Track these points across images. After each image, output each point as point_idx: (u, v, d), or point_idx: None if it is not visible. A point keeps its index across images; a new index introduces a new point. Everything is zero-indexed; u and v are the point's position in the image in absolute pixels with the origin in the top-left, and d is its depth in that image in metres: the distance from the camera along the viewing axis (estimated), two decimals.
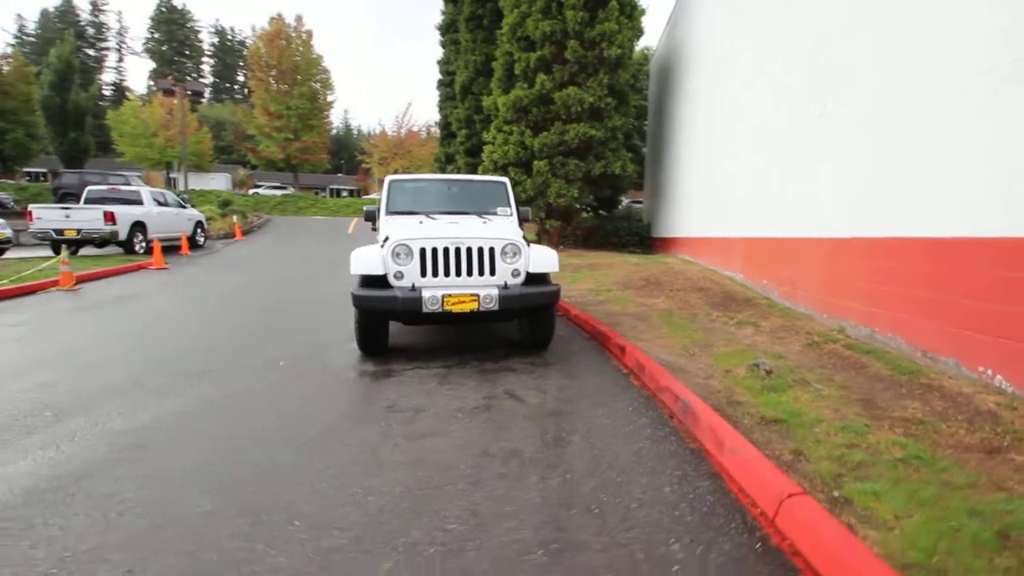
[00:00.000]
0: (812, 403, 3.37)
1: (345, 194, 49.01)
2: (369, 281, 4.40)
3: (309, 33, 36.92)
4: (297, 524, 2.11)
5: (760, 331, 5.29)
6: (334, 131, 44.76)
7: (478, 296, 4.26)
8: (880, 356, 4.16)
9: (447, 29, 21.25)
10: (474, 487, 2.42)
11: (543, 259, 4.67)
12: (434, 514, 2.19)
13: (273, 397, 3.67)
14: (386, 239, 4.46)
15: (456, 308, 4.24)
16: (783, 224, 6.23)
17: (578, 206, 14.98)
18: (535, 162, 12.62)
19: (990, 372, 3.46)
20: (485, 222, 5.28)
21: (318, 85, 37.61)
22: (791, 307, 5.93)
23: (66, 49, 32.26)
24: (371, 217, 5.58)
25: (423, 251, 4.40)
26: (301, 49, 36.42)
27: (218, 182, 38.73)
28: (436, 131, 58.83)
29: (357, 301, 4.27)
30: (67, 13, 60.95)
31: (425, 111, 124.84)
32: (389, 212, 5.51)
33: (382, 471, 2.57)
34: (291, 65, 35.94)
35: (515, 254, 4.56)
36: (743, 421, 3.03)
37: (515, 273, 4.53)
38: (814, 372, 3.97)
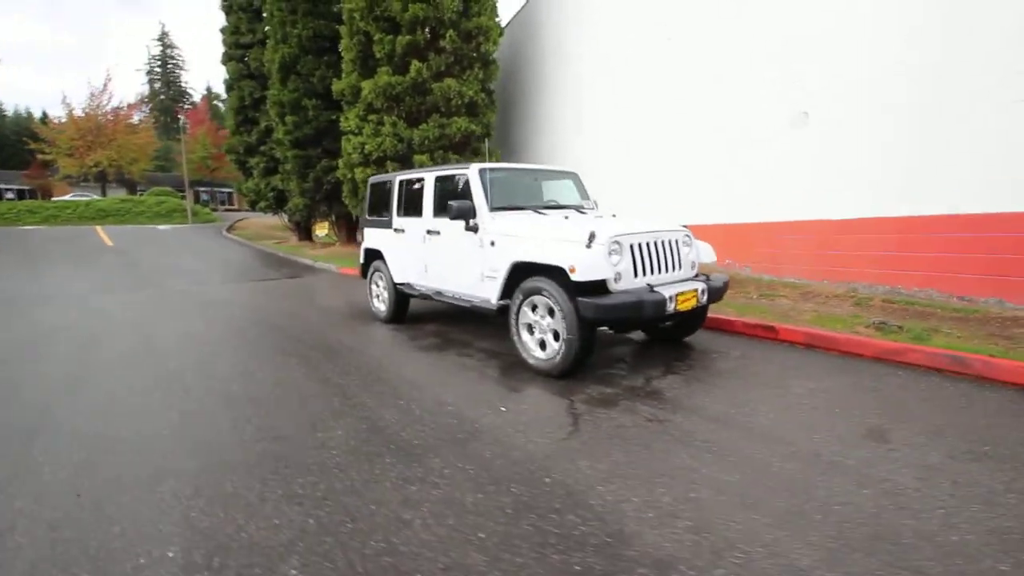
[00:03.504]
0: (967, 342, 4.34)
1: (11, 196, 35.27)
2: (588, 288, 3.70)
3: None
4: None
5: (794, 300, 6.28)
6: None
7: (696, 291, 4.03)
8: (925, 305, 5.50)
9: None
10: None
11: (708, 249, 4.65)
12: None
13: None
14: (591, 235, 3.79)
15: (683, 307, 3.93)
16: (758, 211, 7.43)
17: None
18: (415, 156, 11.67)
19: None
20: (614, 216, 4.93)
21: None
22: (778, 279, 7.16)
23: None
24: (465, 214, 4.57)
25: (632, 248, 3.93)
26: None
27: None
28: (145, 117, 47.50)
29: (594, 311, 3.56)
30: None
31: (126, 91, 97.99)
32: (494, 208, 4.62)
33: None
34: None
35: (690, 245, 4.44)
36: None
37: (692, 265, 4.42)
38: (909, 323, 5.03)
